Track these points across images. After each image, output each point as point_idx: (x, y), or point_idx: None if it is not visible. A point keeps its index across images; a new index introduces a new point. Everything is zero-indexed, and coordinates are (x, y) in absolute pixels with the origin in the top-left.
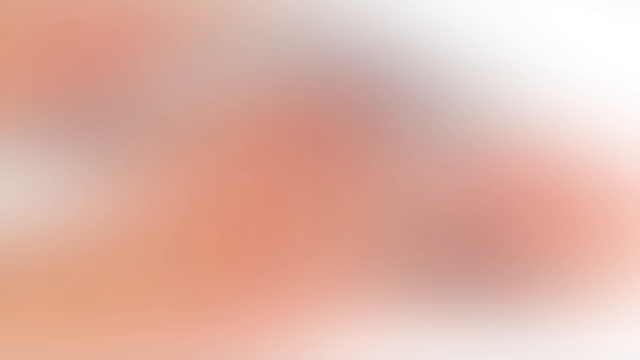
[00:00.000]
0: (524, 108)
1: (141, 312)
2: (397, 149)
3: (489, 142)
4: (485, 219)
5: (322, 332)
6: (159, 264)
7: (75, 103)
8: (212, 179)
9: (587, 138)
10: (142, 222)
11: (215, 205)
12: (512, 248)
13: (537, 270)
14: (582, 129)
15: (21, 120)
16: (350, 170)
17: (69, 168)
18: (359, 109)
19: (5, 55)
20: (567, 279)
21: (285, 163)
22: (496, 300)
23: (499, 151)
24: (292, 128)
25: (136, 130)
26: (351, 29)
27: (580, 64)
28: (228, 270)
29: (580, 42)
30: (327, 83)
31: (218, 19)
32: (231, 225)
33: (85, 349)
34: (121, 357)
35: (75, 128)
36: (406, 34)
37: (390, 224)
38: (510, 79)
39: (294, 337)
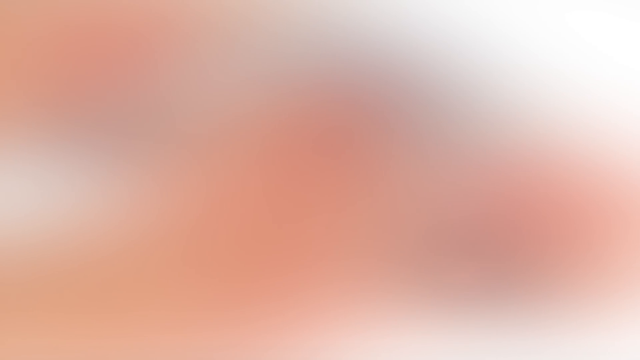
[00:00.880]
0: (539, 111)
1: (156, 315)
2: (412, 152)
3: (504, 145)
4: (501, 222)
5: (338, 335)
6: (174, 266)
7: (91, 105)
8: (227, 182)
9: (606, 142)
10: (157, 225)
11: (230, 207)
12: (529, 251)
13: (557, 274)
14: (600, 132)
15: (37, 123)
16: (365, 173)
17: (84, 171)
18: (373, 112)
19: (21, 57)
20: (583, 283)
21: (301, 166)
22: (514, 304)
23: (514, 154)
24: (307, 131)
25: (151, 133)
26: (367, 31)
27: (597, 67)
28: (243, 273)
29: (596, 44)
30: (343, 86)
31: (233, 22)
32: (246, 228)
33: (100, 351)
34: None
35: (90, 131)
36: (422, 37)
37: (405, 227)
38: (526, 81)
39: (310, 340)
